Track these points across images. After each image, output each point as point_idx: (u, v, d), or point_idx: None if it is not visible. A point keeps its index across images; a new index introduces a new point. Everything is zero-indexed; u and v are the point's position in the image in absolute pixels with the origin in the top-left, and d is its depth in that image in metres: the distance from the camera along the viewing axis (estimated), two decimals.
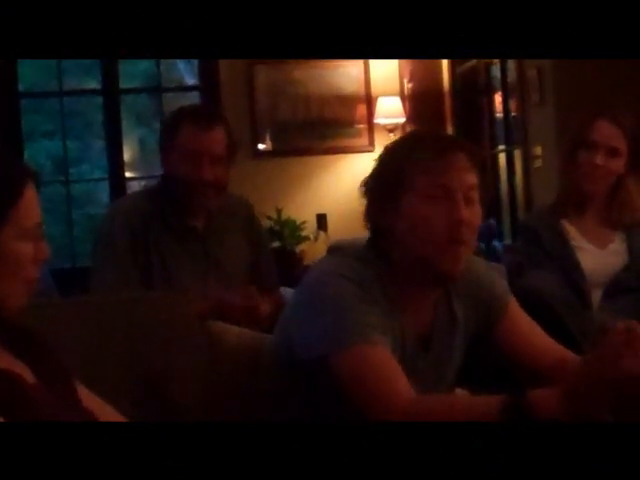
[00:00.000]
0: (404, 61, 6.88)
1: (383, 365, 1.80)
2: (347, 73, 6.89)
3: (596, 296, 2.96)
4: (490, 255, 5.12)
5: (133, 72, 8.04)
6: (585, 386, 1.61)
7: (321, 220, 6.68)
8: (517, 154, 6.00)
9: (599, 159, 2.93)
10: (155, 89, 7.75)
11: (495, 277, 2.13)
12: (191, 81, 7.86)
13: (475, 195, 1.91)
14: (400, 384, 1.78)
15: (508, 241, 5.87)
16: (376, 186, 1.95)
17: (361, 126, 6.95)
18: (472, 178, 1.90)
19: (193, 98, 7.17)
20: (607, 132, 2.94)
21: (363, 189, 1.98)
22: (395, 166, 1.92)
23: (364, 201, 1.98)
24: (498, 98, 6.46)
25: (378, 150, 2.16)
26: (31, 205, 1.51)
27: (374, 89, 6.92)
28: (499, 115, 6.46)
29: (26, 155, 7.05)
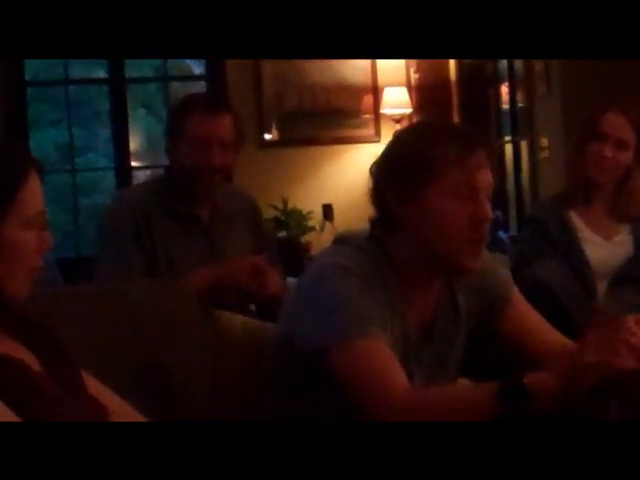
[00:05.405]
0: None
1: (380, 358, 1.79)
2: (353, 63, 6.87)
3: (601, 287, 2.96)
4: (495, 246, 5.11)
5: (140, 61, 8.03)
6: (578, 369, 1.63)
7: (327, 210, 6.67)
8: (524, 145, 5.99)
9: (608, 151, 2.94)
10: (161, 78, 7.76)
11: (498, 267, 2.13)
12: (198, 70, 7.86)
13: (490, 191, 1.91)
14: (397, 377, 1.78)
15: (514, 232, 5.86)
16: (395, 173, 1.91)
17: (367, 116, 6.94)
18: (491, 175, 1.90)
19: (200, 87, 7.17)
20: (616, 124, 2.95)
21: (375, 172, 1.95)
22: (419, 156, 1.87)
23: (371, 183, 1.95)
24: (505, 89, 6.45)
25: (384, 140, 2.15)
26: (34, 194, 1.51)
27: (380, 79, 6.91)
28: (506, 106, 6.46)
29: (32, 144, 7.04)
